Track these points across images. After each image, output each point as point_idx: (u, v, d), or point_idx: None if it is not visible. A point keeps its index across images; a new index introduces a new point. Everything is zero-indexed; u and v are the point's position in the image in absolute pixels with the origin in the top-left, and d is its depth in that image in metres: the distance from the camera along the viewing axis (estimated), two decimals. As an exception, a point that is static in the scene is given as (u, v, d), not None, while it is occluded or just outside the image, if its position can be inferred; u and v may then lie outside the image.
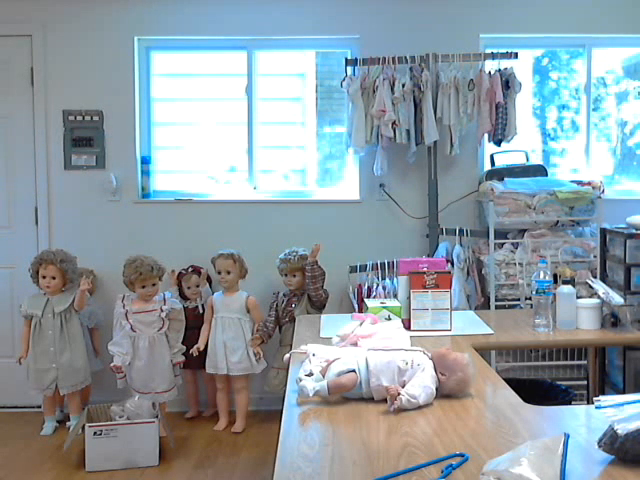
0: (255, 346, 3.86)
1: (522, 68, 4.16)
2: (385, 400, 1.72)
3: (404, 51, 3.97)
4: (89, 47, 4.22)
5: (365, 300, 2.70)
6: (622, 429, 1.32)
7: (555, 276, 2.75)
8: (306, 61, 4.43)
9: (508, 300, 3.89)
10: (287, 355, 2.11)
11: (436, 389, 1.78)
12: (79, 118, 4.22)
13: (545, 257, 3.61)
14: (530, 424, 1.64)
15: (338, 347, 2.07)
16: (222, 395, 4.02)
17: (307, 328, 2.71)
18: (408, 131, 3.94)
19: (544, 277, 2.60)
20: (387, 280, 3.93)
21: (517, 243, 3.93)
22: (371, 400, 1.78)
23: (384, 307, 2.49)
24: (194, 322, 4.00)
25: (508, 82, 3.95)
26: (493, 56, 3.99)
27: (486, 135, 4.01)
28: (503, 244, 3.95)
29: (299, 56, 4.44)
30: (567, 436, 1.36)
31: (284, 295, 3.98)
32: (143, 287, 3.76)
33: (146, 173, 4.31)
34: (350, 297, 4.01)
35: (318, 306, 3.88)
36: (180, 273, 4.14)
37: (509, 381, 2.01)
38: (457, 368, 1.81)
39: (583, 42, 4.27)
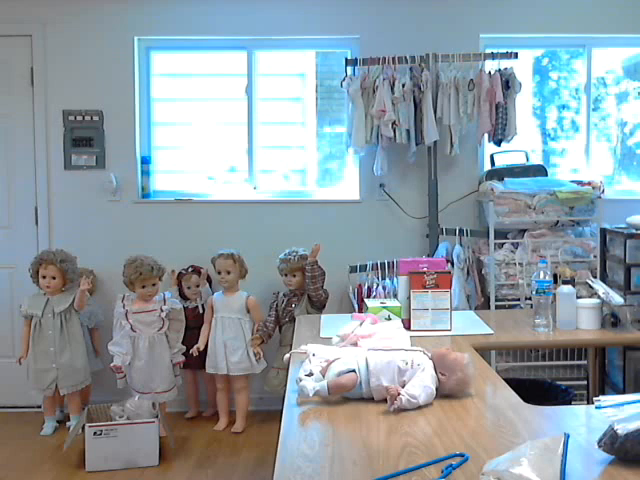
0: (255, 346, 3.87)
1: (522, 68, 4.16)
2: (385, 400, 1.72)
3: (404, 51, 3.97)
4: (89, 47, 4.22)
5: (365, 300, 2.70)
6: (622, 429, 1.32)
7: (555, 276, 2.75)
8: (306, 61, 4.43)
9: (508, 300, 3.89)
10: (287, 355, 2.11)
11: (436, 389, 1.78)
12: (79, 118, 4.22)
13: (545, 257, 3.61)
14: (530, 424, 1.63)
15: (338, 347, 2.06)
16: (222, 395, 4.02)
17: (307, 328, 2.71)
18: (408, 131, 3.94)
19: (544, 277, 2.60)
20: (387, 280, 3.93)
21: (517, 243, 3.93)
22: (371, 400, 1.78)
23: (384, 307, 2.49)
24: (194, 322, 4.01)
25: (508, 82, 3.95)
26: (493, 56, 3.99)
27: (486, 135, 4.01)
28: (503, 244, 3.95)
29: (299, 56, 4.44)
30: (567, 436, 1.36)
31: (284, 295, 3.98)
32: (143, 287, 3.76)
33: (146, 173, 4.31)
34: (350, 297, 4.01)
35: (318, 306, 3.88)
36: (180, 273, 4.14)
37: (509, 381, 2.01)
38: (457, 368, 1.81)
39: (583, 42, 4.27)
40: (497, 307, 3.86)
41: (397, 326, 2.23)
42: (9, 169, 4.27)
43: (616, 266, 3.61)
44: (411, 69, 3.95)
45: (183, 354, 3.87)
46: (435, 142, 3.97)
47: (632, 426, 1.32)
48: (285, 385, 1.96)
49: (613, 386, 3.61)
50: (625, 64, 4.40)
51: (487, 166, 4.24)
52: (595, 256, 3.82)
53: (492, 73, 3.95)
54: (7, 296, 4.28)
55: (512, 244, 3.95)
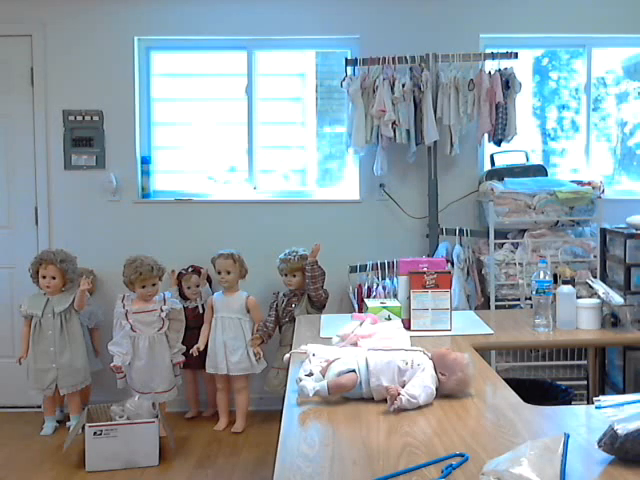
0: (255, 346, 3.86)
1: (522, 68, 4.16)
2: (385, 400, 1.72)
3: (404, 51, 3.97)
4: (89, 47, 4.22)
5: (365, 300, 2.70)
6: (622, 429, 1.32)
7: (555, 276, 2.75)
8: (306, 61, 4.43)
9: (508, 300, 3.89)
10: (287, 355, 2.11)
11: (436, 389, 1.78)
12: (79, 118, 4.22)
13: (545, 257, 3.61)
14: (530, 424, 1.64)
15: (338, 347, 2.06)
16: (222, 395, 4.02)
17: (307, 328, 2.71)
18: (408, 131, 3.94)
19: (544, 277, 2.60)
20: (387, 280, 3.93)
21: (517, 243, 3.93)
22: (371, 400, 1.78)
23: (384, 307, 2.49)
24: (194, 322, 4.01)
25: (508, 82, 3.95)
26: (493, 56, 3.99)
27: (486, 135, 4.00)
28: (503, 244, 3.95)
29: (299, 56, 4.44)
30: (567, 436, 1.36)
31: (284, 295, 3.98)
32: (143, 287, 3.76)
33: (146, 173, 4.31)
34: (350, 297, 4.01)
35: (318, 306, 3.88)
36: (180, 273, 4.14)
37: (509, 381, 2.01)
38: (457, 368, 1.81)
39: (583, 42, 4.27)
40: (497, 307, 3.86)
41: (397, 326, 2.23)
42: (9, 169, 4.27)
43: (616, 266, 3.61)
44: (411, 69, 3.95)
45: (183, 354, 3.87)
46: (435, 142, 3.97)
47: (632, 426, 1.32)
48: (285, 385, 1.96)
49: (613, 386, 3.60)
50: (625, 64, 4.40)
51: (487, 166, 4.24)
52: (595, 256, 3.82)
53: (492, 73, 3.95)
54: (7, 296, 4.28)
55: (512, 244, 3.95)
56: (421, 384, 1.75)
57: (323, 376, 1.82)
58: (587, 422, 1.68)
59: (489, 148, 4.20)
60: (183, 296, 4.13)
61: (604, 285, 2.84)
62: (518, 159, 4.20)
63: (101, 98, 4.22)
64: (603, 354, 3.57)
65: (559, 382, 3.32)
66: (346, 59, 4.03)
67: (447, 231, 4.03)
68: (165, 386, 3.79)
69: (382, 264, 3.96)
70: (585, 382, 3.73)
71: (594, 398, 1.50)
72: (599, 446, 1.37)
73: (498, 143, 4.04)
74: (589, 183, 3.99)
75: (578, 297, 2.72)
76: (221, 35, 4.24)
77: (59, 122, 4.23)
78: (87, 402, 3.97)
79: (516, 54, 3.99)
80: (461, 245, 3.98)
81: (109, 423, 3.42)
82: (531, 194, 3.90)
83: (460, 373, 1.80)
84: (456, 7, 4.17)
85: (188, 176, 4.42)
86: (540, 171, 4.13)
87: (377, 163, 4.02)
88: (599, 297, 2.71)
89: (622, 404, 1.44)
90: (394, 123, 3.89)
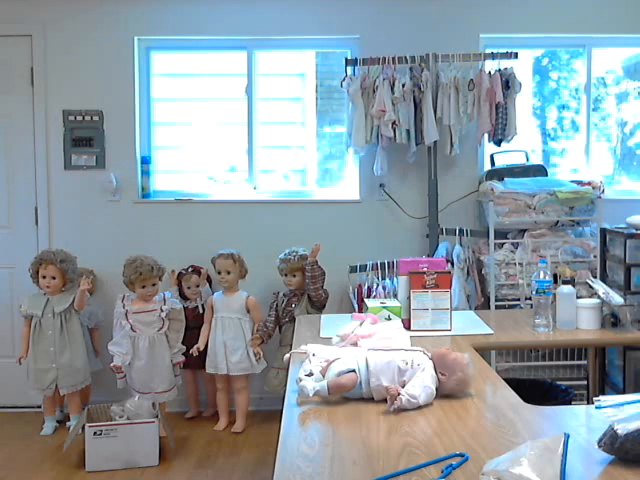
0: (255, 346, 3.87)
1: (522, 68, 4.16)
2: (385, 400, 1.72)
3: (404, 51, 3.97)
4: (89, 47, 4.22)
5: (365, 300, 2.70)
6: (622, 429, 1.32)
7: (555, 276, 2.75)
8: (306, 61, 4.43)
9: (508, 300, 3.89)
10: (287, 355, 2.11)
11: (436, 389, 1.78)
12: (79, 118, 4.22)
13: (545, 257, 3.61)
14: (530, 424, 1.64)
15: (338, 347, 2.06)
16: (222, 395, 4.02)
17: (307, 328, 2.71)
18: (408, 131, 3.94)
19: (544, 277, 2.60)
20: (387, 280, 3.93)
21: (517, 243, 3.93)
22: (371, 400, 1.78)
23: (384, 307, 2.49)
24: (194, 322, 4.01)
25: (508, 82, 3.95)
26: (493, 56, 3.99)
27: (486, 135, 4.01)
28: (503, 244, 3.95)
29: (299, 56, 4.44)
30: (567, 436, 1.36)
31: (284, 295, 3.98)
32: (143, 287, 3.76)
33: (146, 173, 4.31)
34: (350, 297, 4.01)
35: (318, 306, 3.88)
36: (180, 273, 4.14)
37: (509, 381, 2.01)
38: (457, 368, 1.81)
39: (583, 42, 4.27)
40: (497, 307, 3.86)
41: (397, 326, 2.23)
42: (9, 169, 4.27)
43: (616, 266, 3.61)
44: (411, 69, 3.95)
45: (183, 354, 3.87)
46: (435, 142, 3.97)
47: (632, 426, 1.32)
48: (285, 385, 1.96)
49: (613, 386, 3.61)
50: (625, 64, 4.40)
51: (487, 166, 4.24)
52: (595, 256, 3.82)
53: (492, 73, 3.95)
54: (7, 296, 4.28)
55: (512, 244, 3.95)
56: (421, 384, 1.75)
57: (323, 376, 1.82)
58: (587, 422, 1.68)
59: (489, 148, 4.20)
60: (183, 296, 4.13)
61: (604, 285, 2.84)
62: (518, 159, 4.20)
63: (101, 98, 4.22)
64: (603, 354, 3.57)
65: (559, 382, 3.32)
66: (346, 59, 4.03)
67: (447, 231, 4.03)
68: (165, 386, 3.79)
69: (382, 264, 3.96)
70: (585, 382, 3.73)
71: (594, 398, 1.50)
72: (599, 446, 1.37)
73: (498, 143, 4.04)
74: (589, 183, 3.98)
75: (578, 297, 2.72)
76: (221, 35, 4.24)
77: (59, 122, 4.23)
78: (87, 402, 3.97)
79: (516, 54, 3.99)
80: (461, 245, 3.98)
81: (109, 423, 3.42)
82: (531, 194, 3.90)
83: (460, 373, 1.80)
84: (456, 7, 4.17)
85: (188, 176, 4.42)
86: (540, 171, 4.13)
87: (377, 163, 4.02)
88: (599, 297, 2.71)
89: (622, 404, 1.44)
90: (394, 123, 3.89)
